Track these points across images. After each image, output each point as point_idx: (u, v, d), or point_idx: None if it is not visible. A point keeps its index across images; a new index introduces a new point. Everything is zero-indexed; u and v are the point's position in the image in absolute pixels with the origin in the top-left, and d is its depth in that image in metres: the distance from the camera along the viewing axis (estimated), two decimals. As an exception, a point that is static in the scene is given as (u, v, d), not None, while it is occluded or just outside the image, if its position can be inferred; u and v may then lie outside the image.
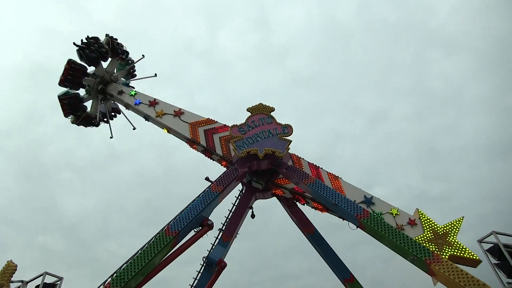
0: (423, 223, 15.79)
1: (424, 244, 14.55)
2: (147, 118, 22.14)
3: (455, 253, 14.20)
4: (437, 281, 13.26)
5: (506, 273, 11.05)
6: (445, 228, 15.08)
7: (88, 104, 26.07)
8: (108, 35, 24.84)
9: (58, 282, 11.23)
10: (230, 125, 18.92)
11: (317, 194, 16.69)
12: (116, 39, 25.19)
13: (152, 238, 15.12)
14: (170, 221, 15.67)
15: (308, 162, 19.05)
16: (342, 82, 67.25)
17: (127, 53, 25.94)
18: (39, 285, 10.91)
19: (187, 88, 68.87)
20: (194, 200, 16.62)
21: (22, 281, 11.20)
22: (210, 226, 16.73)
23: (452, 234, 14.79)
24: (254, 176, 18.77)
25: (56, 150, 58.55)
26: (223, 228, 18.49)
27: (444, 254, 14.21)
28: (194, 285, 17.54)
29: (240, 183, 19.07)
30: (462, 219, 14.88)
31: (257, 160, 17.79)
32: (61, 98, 24.24)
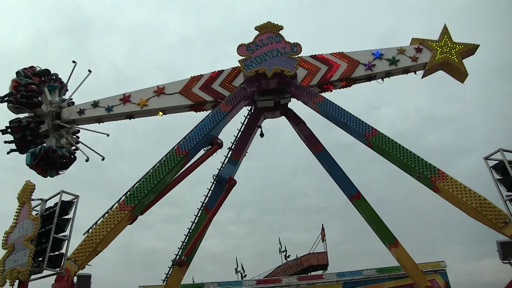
0: (426, 45, 18.20)
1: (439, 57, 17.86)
2: (131, 116, 18.91)
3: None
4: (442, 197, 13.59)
5: (507, 187, 11.33)
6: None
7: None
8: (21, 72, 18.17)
9: (75, 200, 11.62)
10: (238, 45, 18.37)
11: (326, 112, 16.71)
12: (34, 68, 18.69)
13: (163, 157, 15.44)
14: (180, 141, 15.91)
15: (310, 55, 18.94)
16: (351, 1, 64.87)
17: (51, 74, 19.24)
18: (57, 202, 11.32)
19: (192, 7, 67.07)
20: (203, 119, 16.76)
21: (41, 199, 11.66)
22: (220, 145, 16.97)
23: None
24: (263, 95, 18.69)
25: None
26: (232, 147, 18.84)
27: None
28: (205, 202, 18.18)
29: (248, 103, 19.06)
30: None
31: (266, 79, 17.67)
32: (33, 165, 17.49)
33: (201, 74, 18.90)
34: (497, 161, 11.62)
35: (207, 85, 18.57)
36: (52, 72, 19.01)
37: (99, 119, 18.99)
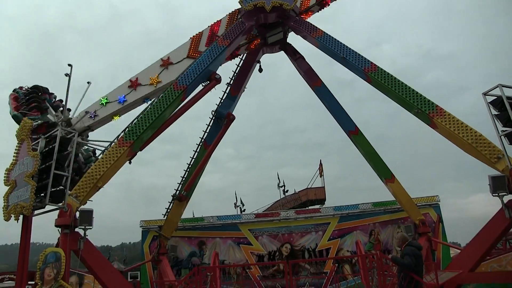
0: None
1: None
2: (146, 99, 17.68)
3: None
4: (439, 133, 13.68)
5: (503, 122, 11.37)
6: None
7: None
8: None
9: (73, 136, 11.73)
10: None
11: (325, 47, 16.46)
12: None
13: (161, 93, 15.40)
14: (178, 76, 15.79)
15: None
16: None
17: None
18: (56, 139, 11.40)
19: None
20: (201, 54, 16.54)
21: (40, 136, 11.74)
22: (218, 80, 16.83)
23: None
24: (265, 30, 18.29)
25: (56, 13, 56.76)
26: (231, 82, 18.74)
27: None
28: (204, 138, 18.33)
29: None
30: None
31: (264, 13, 17.25)
32: None
33: (200, 32, 17.93)
34: (496, 97, 11.58)
35: (211, 39, 17.72)
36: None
37: (115, 115, 17.53)
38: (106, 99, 17.15)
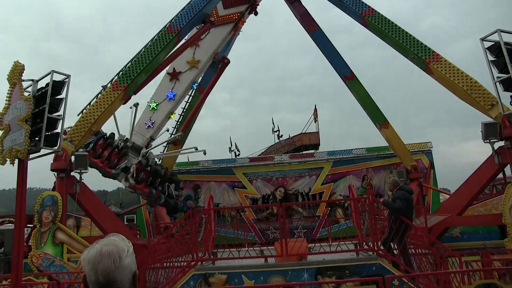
0: None
1: None
2: (193, 83, 16.95)
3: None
4: (434, 79, 13.65)
5: (499, 68, 11.30)
6: None
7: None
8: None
9: (67, 80, 11.54)
10: None
11: None
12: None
13: (154, 36, 15.12)
14: (172, 19, 15.46)
15: None
16: None
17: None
18: (48, 83, 11.24)
19: None
20: (195, -4, 16.12)
21: (32, 80, 11.56)
22: (213, 23, 16.51)
23: None
24: None
25: None
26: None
27: None
28: (198, 81, 18.20)
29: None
30: None
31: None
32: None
33: None
34: (493, 42, 11.45)
35: None
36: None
37: (171, 113, 16.70)
38: (154, 101, 16.20)
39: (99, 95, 13.90)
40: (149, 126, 15.85)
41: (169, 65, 16.20)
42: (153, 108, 16.10)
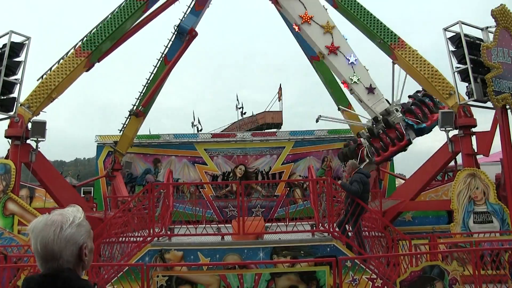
0: None
1: None
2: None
3: None
4: (399, 66, 13.87)
5: (458, 59, 11.67)
6: None
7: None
8: None
9: (26, 42, 11.16)
10: None
11: None
12: None
13: (122, 3, 14.73)
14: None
15: None
16: None
17: None
18: (5, 44, 10.83)
19: None
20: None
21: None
22: (182, -6, 16.25)
23: None
24: None
25: None
26: (196, -4, 18.06)
27: None
28: (165, 53, 17.91)
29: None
30: None
31: None
32: None
33: None
34: (455, 33, 11.77)
35: None
36: None
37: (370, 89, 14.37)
38: (356, 76, 14.22)
39: (61, 60, 13.50)
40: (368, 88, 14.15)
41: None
42: (354, 81, 14.26)
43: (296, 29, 15.08)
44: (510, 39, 11.80)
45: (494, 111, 11.51)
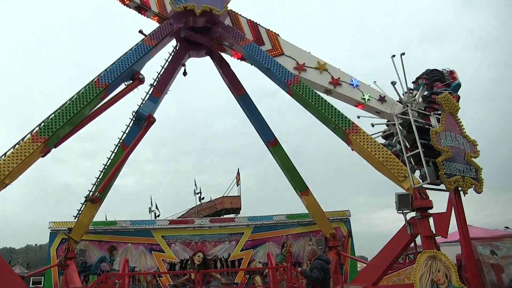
0: None
1: None
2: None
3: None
4: (353, 149, 14.27)
5: (410, 143, 12.25)
6: None
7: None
8: None
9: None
10: None
11: (251, 56, 16.70)
12: None
13: (81, 89, 14.82)
14: (101, 73, 15.31)
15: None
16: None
17: None
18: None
19: None
20: (126, 52, 16.16)
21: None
22: (142, 80, 16.49)
23: None
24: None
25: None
26: (154, 84, 18.39)
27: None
28: (122, 138, 17.82)
29: (174, 40, 18.58)
30: None
31: (194, 17, 17.19)
32: None
33: None
34: (405, 119, 12.36)
35: None
36: None
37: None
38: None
39: (17, 145, 13.18)
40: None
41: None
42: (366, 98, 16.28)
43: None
44: (456, 124, 12.58)
45: (448, 192, 11.84)
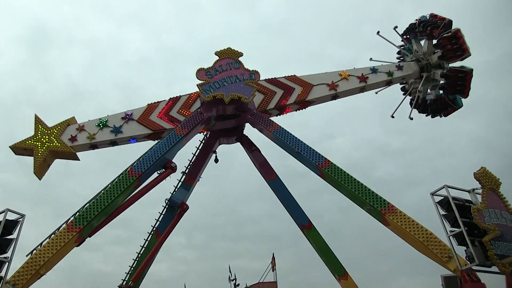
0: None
1: None
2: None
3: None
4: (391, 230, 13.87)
5: (451, 223, 11.71)
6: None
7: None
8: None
9: (20, 219, 11.13)
10: (197, 69, 18.47)
11: (281, 141, 16.92)
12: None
13: (115, 179, 15.12)
14: (134, 162, 15.66)
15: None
16: (312, 31, 66.70)
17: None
18: (0, 221, 10.77)
19: (154, 27, 67.03)
20: (158, 142, 16.58)
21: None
22: (174, 169, 16.83)
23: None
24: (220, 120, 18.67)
25: (17, 86, 56.32)
26: (186, 171, 18.63)
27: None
28: (156, 226, 17.80)
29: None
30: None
31: (223, 105, 17.73)
32: None
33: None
34: (442, 197, 12.01)
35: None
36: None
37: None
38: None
39: (52, 235, 13.32)
40: None
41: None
42: None
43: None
44: (499, 200, 12.04)
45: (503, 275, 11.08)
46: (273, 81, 19.71)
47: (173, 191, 18.16)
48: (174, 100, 18.87)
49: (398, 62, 19.09)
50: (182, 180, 18.39)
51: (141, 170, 15.19)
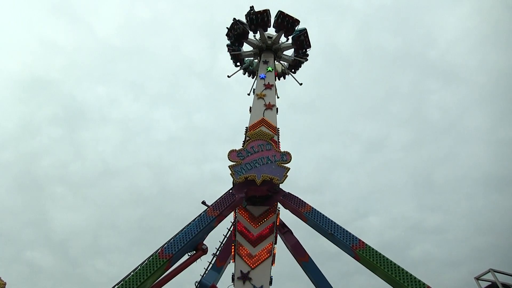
0: None
1: None
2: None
3: None
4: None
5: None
6: None
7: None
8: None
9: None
10: (229, 150, 18.74)
11: (313, 222, 16.65)
12: (288, 16, 26.82)
13: (145, 261, 14.97)
14: (164, 244, 15.55)
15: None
16: (340, 109, 67.80)
17: (295, 30, 27.45)
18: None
19: (185, 107, 69.33)
20: (190, 223, 16.53)
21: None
22: (205, 251, 16.64)
23: None
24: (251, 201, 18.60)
25: (50, 163, 58.05)
26: (217, 253, 18.33)
27: None
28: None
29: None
30: None
31: (255, 186, 17.74)
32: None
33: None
34: (489, 282, 11.40)
35: None
36: None
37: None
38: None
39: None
40: None
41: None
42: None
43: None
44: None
45: None
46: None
47: (203, 273, 17.79)
48: None
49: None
50: (212, 262, 18.07)
51: (171, 252, 15.06)
